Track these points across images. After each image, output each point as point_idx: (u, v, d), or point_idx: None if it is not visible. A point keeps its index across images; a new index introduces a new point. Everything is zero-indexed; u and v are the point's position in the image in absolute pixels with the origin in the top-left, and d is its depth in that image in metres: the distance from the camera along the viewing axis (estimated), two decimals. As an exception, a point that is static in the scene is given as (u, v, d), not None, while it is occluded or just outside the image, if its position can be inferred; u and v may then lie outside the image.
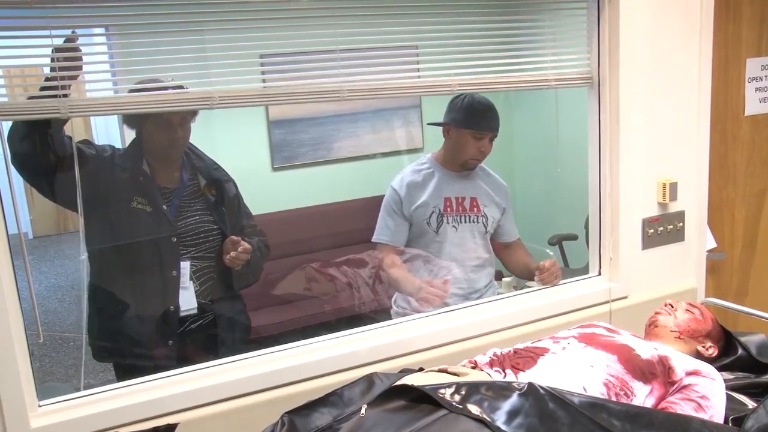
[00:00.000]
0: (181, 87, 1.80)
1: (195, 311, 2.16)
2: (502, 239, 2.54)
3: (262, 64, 1.85)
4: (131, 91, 1.75)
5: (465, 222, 2.40)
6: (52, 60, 1.57)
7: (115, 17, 1.69)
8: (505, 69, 2.12)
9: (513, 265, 2.58)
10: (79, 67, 1.62)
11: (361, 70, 1.94)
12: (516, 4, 2.17)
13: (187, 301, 2.13)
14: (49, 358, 4.40)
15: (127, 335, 2.13)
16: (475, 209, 2.41)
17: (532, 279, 2.40)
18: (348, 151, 4.18)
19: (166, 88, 1.76)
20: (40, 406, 1.69)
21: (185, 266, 2.13)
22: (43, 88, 1.60)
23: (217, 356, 1.93)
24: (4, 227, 1.60)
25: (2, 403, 1.60)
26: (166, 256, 2.11)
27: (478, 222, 2.42)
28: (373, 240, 2.45)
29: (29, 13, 1.59)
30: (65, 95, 1.56)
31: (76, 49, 1.62)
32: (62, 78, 1.57)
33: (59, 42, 1.62)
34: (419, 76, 2.06)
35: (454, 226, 2.39)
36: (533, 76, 2.17)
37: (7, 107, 1.56)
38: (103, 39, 1.85)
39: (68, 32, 1.64)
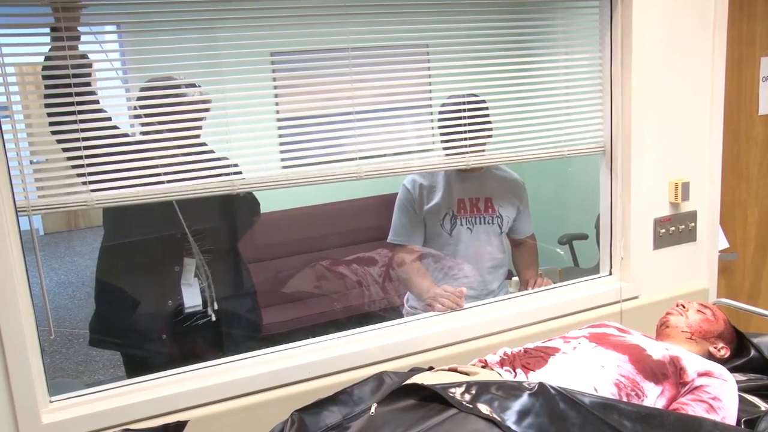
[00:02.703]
0: (193, 85, 1.80)
1: (200, 308, 2.17)
2: (513, 236, 2.54)
3: (272, 62, 1.86)
4: (142, 89, 1.76)
5: (480, 223, 2.39)
6: (79, 149, 1.65)
7: (126, 15, 1.70)
8: (516, 69, 2.12)
9: (516, 266, 2.59)
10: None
11: (372, 69, 1.94)
12: (528, 2, 2.16)
13: (192, 297, 2.14)
14: (59, 354, 4.44)
15: (123, 327, 2.14)
16: (490, 210, 2.40)
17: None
18: (358, 150, 4.17)
19: (178, 86, 1.77)
20: (51, 401, 1.70)
21: (190, 263, 2.13)
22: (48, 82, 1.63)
23: (224, 353, 1.93)
24: (16, 224, 1.61)
25: (14, 399, 1.62)
26: (170, 252, 2.12)
27: (493, 223, 2.41)
28: (388, 240, 2.44)
29: (42, 11, 1.60)
30: (93, 190, 1.66)
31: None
32: (89, 165, 1.65)
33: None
34: (429, 75, 2.06)
35: (468, 227, 2.38)
36: (547, 150, 2.21)
37: (39, 204, 1.64)
38: (114, 36, 1.86)
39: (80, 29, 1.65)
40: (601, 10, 2.22)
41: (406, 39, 1.99)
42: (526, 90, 2.16)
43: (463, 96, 2.08)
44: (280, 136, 1.92)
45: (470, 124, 2.08)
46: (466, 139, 2.08)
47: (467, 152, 2.10)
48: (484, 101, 2.11)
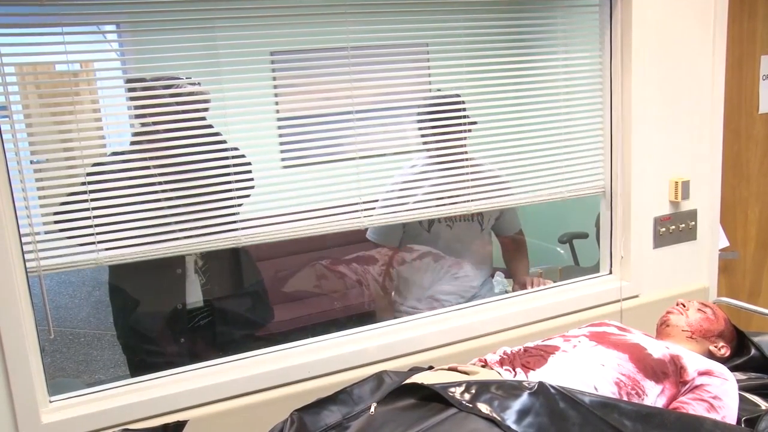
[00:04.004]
0: (193, 84, 1.80)
1: (201, 304, 2.17)
2: (500, 233, 2.54)
3: (272, 62, 1.85)
4: (143, 88, 1.76)
5: (460, 221, 2.39)
6: (89, 210, 1.68)
7: (126, 14, 1.70)
8: (515, 68, 2.12)
9: (507, 264, 2.59)
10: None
11: (372, 68, 1.94)
12: (528, 1, 2.16)
13: (192, 293, 2.14)
14: (59, 353, 4.44)
15: (144, 334, 2.15)
16: None
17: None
18: (358, 149, 4.16)
19: (176, 85, 1.76)
20: (50, 401, 1.70)
21: (188, 259, 2.14)
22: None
23: (223, 352, 1.94)
24: (15, 224, 1.61)
25: (14, 399, 1.62)
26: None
27: (473, 221, 2.41)
28: (366, 236, 2.44)
29: (41, 10, 1.60)
30: (103, 249, 1.70)
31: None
32: (97, 225, 1.70)
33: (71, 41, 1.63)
34: (429, 74, 2.06)
35: (448, 225, 2.38)
36: (546, 194, 2.22)
37: (51, 264, 1.67)
38: (114, 36, 1.86)
39: (80, 28, 1.65)
40: (601, 8, 2.22)
41: (406, 38, 1.99)
42: (524, 90, 2.16)
43: (439, 96, 2.07)
44: (280, 135, 1.91)
45: (447, 119, 2.06)
46: (444, 134, 2.07)
47: (469, 200, 2.11)
48: (458, 95, 2.09)
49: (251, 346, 1.93)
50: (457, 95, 2.08)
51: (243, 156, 1.84)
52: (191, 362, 1.86)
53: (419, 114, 2.07)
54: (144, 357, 2.18)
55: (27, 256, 1.64)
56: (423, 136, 2.11)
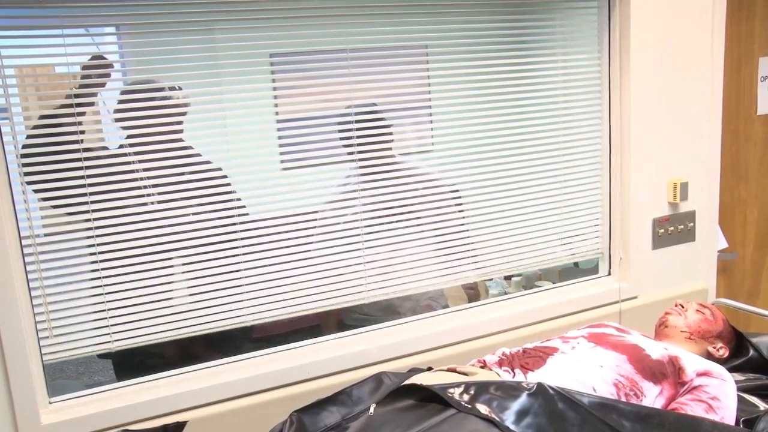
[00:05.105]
0: (174, 88, 1.79)
1: None
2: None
3: (272, 64, 1.86)
4: (123, 92, 1.77)
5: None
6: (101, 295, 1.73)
7: (126, 16, 1.70)
8: (514, 69, 2.13)
9: None
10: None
11: (371, 70, 1.95)
12: (527, 3, 2.16)
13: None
14: (60, 355, 4.42)
15: None
16: None
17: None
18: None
19: (162, 89, 1.76)
20: (50, 402, 1.71)
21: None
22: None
23: (220, 352, 1.94)
24: (16, 226, 1.62)
25: (14, 400, 1.62)
26: None
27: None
28: None
29: (41, 13, 1.60)
30: (114, 332, 1.75)
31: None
32: (111, 317, 1.75)
33: (71, 40, 1.63)
34: (429, 76, 2.06)
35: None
36: (546, 259, 2.27)
37: (61, 350, 1.71)
38: (114, 38, 1.87)
39: (80, 32, 1.66)
40: (600, 10, 2.23)
41: (405, 40, 1.99)
42: (523, 91, 2.16)
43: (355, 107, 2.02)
44: (280, 137, 1.92)
45: (365, 128, 2.02)
46: (368, 144, 2.02)
47: (468, 267, 2.14)
48: (374, 104, 2.03)
49: (247, 347, 1.93)
50: (374, 104, 2.02)
51: (247, 212, 1.86)
52: (184, 363, 1.86)
53: (339, 123, 2.00)
54: (137, 358, 2.18)
55: (27, 259, 1.64)
56: (345, 146, 2.03)
